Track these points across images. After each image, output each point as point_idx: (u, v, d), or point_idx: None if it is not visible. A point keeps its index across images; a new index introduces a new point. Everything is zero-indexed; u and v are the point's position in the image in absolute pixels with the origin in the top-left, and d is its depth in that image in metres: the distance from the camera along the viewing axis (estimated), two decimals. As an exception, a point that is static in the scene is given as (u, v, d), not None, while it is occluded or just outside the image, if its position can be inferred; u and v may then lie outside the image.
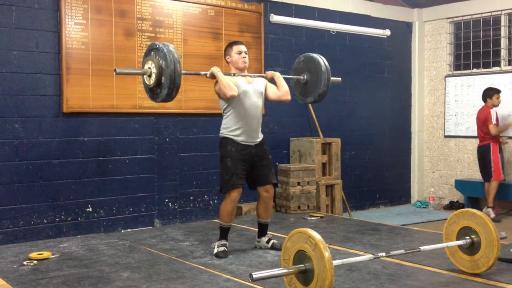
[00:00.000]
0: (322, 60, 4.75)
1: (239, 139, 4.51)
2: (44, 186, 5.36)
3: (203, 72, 4.53)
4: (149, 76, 4.08)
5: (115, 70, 4.04)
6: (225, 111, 4.58)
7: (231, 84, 4.39)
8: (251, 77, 4.68)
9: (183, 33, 6.16)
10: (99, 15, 5.61)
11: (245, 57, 4.60)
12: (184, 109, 6.20)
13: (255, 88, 4.60)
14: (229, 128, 4.53)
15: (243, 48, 4.61)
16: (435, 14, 8.51)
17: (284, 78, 4.78)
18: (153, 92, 4.15)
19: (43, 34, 5.34)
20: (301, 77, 4.86)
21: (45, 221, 5.36)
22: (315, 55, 4.83)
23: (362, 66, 8.01)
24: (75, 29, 5.47)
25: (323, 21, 7.41)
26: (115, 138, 5.79)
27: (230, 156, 4.49)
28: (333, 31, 7.52)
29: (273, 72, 4.81)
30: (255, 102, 4.56)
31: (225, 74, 4.45)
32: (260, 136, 4.66)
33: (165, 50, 3.96)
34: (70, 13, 5.43)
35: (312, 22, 7.30)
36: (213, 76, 4.44)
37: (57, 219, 5.43)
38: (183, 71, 4.08)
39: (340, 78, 5.04)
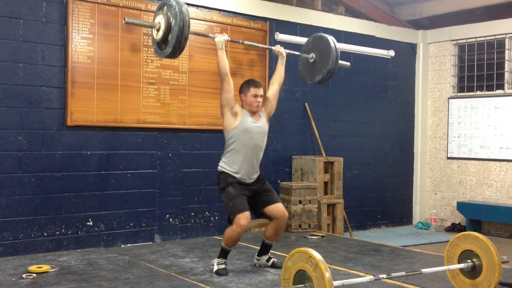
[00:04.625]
0: (330, 38, 4.76)
1: (238, 176, 4.48)
2: (46, 199, 5.36)
3: (211, 35, 4.59)
4: (158, 30, 4.10)
5: (124, 19, 4.05)
6: (227, 145, 4.55)
7: (227, 65, 4.44)
8: (257, 47, 4.65)
9: (189, 50, 6.20)
10: (106, 30, 5.65)
11: (260, 101, 4.57)
12: (187, 125, 6.21)
13: (261, 127, 4.56)
14: (230, 164, 4.48)
15: (259, 92, 4.56)
16: (439, 36, 8.55)
17: (293, 56, 4.81)
18: (158, 46, 4.18)
19: (50, 47, 5.38)
20: (310, 55, 4.87)
21: (45, 234, 5.35)
22: (323, 34, 4.86)
23: (366, 86, 8.03)
24: (82, 43, 5.51)
25: (327, 40, 7.44)
26: (117, 152, 5.80)
27: (231, 184, 4.44)
28: (337, 51, 7.55)
29: (281, 51, 4.80)
30: (259, 143, 4.53)
31: (232, 41, 4.72)
32: (258, 173, 4.62)
33: (177, 10, 3.95)
34: (77, 27, 5.47)
35: (317, 41, 7.32)
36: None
37: (58, 233, 5.42)
38: (191, 31, 4.08)
39: (348, 63, 5.05)
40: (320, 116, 7.44)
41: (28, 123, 5.28)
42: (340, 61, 4.76)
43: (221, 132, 6.16)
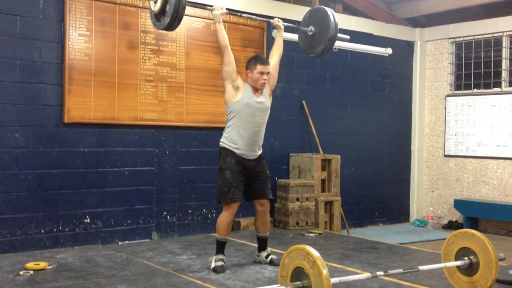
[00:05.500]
0: (328, 9, 4.77)
1: (238, 152, 4.50)
2: (43, 196, 5.35)
3: (209, 7, 4.61)
4: (155, 2, 4.11)
5: None
6: (228, 119, 4.55)
7: (226, 38, 4.45)
8: (256, 19, 4.96)
9: (186, 47, 6.19)
10: (103, 27, 5.64)
11: (266, 79, 4.53)
12: (184, 122, 6.21)
13: (262, 103, 4.53)
14: (230, 139, 4.51)
15: (266, 69, 4.52)
16: (437, 34, 8.55)
17: (291, 29, 4.87)
18: (156, 18, 4.19)
19: (47, 44, 5.37)
20: (308, 28, 4.87)
21: (42, 231, 5.35)
22: (320, 6, 4.89)
23: (364, 84, 8.04)
24: (79, 40, 5.50)
25: (325, 38, 7.44)
26: (115, 150, 5.79)
27: (229, 167, 4.47)
28: (335, 48, 7.53)
29: (279, 24, 4.82)
30: (259, 120, 4.52)
31: (230, 13, 4.80)
32: (260, 150, 4.65)
33: None
34: (75, 24, 5.46)
35: (315, 39, 7.32)
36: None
37: (55, 229, 5.42)
38: (188, 1, 4.09)
39: (348, 36, 5.05)
40: (317, 114, 7.44)
41: (25, 120, 5.27)
42: (339, 34, 4.77)
43: (218, 129, 6.18)
